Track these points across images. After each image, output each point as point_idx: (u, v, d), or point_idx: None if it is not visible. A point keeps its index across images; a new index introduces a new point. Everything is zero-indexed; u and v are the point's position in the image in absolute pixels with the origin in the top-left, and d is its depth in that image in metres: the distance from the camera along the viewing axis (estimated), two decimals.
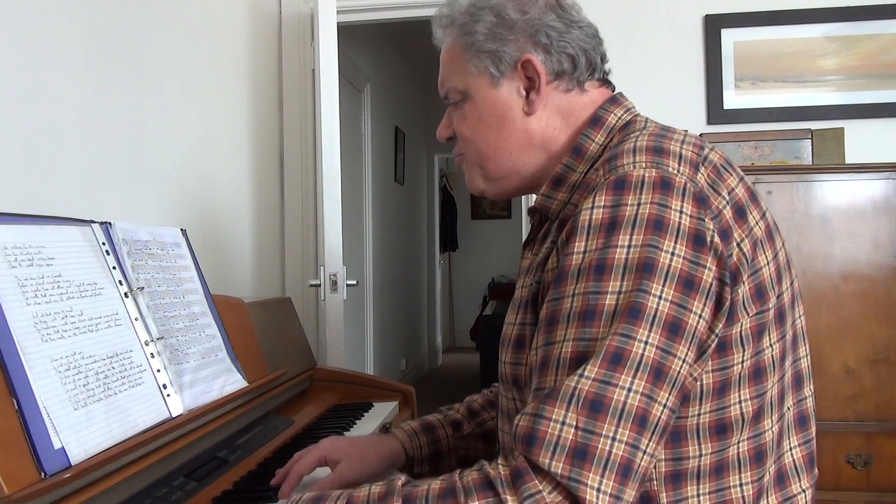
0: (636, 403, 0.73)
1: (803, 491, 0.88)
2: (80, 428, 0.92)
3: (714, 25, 2.67)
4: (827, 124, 2.55)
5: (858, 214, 2.28)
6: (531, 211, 1.00)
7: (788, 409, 0.88)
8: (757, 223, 0.85)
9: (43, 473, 0.85)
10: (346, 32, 3.19)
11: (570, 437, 0.72)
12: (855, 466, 2.24)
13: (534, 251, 0.96)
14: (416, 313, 6.23)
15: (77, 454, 0.90)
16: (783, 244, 0.90)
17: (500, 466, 0.76)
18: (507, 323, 0.95)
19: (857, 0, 2.60)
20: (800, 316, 0.92)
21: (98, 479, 0.93)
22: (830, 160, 2.44)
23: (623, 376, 0.73)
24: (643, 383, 0.74)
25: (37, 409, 0.88)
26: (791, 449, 0.89)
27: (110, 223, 1.18)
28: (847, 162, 2.46)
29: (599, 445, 0.72)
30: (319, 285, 2.34)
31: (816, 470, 0.92)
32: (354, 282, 2.39)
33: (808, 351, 0.93)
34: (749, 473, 0.83)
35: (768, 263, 0.84)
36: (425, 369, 6.61)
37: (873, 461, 2.23)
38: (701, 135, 2.49)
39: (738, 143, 2.51)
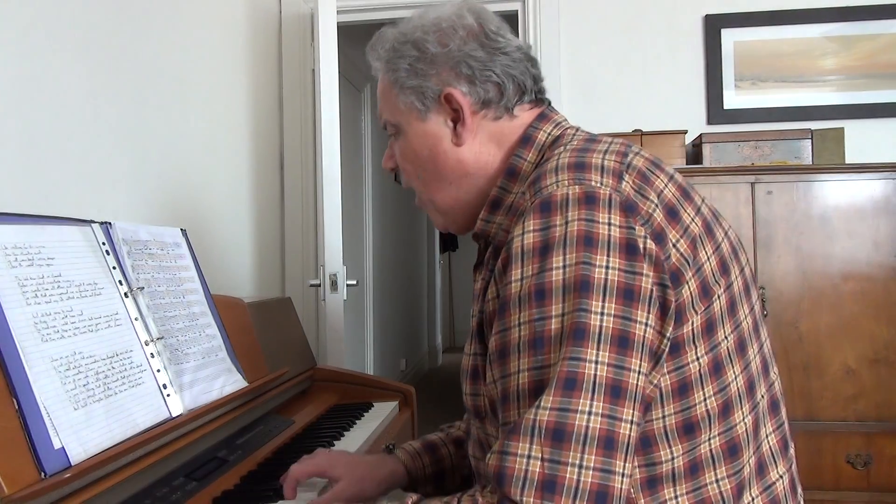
0: (598, 426, 0.72)
1: (780, 477, 0.88)
2: (80, 428, 0.92)
3: (714, 25, 2.67)
4: (827, 124, 2.55)
5: (858, 214, 2.28)
6: (474, 237, 0.99)
7: (762, 396, 0.88)
8: (693, 220, 0.84)
9: (43, 473, 0.85)
10: (346, 32, 3.19)
11: (538, 469, 0.72)
12: (855, 466, 2.24)
13: (482, 275, 0.95)
14: (416, 313, 6.23)
15: (77, 454, 0.90)
16: (726, 233, 0.89)
17: (489, 494, 0.77)
18: (465, 353, 0.95)
19: (857, 0, 2.60)
20: (756, 301, 0.91)
21: (98, 479, 0.93)
22: (830, 160, 2.44)
23: (581, 400, 0.72)
24: (601, 404, 0.73)
25: (37, 409, 0.88)
26: (767, 436, 0.88)
27: (110, 223, 1.18)
28: (847, 162, 2.46)
29: (567, 475, 0.71)
30: (319, 285, 2.35)
31: (792, 451, 0.91)
32: (354, 282, 2.39)
33: (767, 334, 0.92)
34: (724, 468, 0.82)
35: (710, 258, 0.84)
36: (425, 369, 6.61)
37: (873, 461, 2.23)
38: (701, 135, 2.51)
39: (738, 143, 2.51)
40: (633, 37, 2.70)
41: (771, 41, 2.65)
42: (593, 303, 0.75)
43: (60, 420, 0.90)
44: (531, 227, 0.79)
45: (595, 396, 0.73)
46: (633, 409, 0.74)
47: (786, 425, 0.91)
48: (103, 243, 1.14)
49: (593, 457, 0.72)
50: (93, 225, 1.14)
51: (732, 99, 2.67)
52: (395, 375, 5.20)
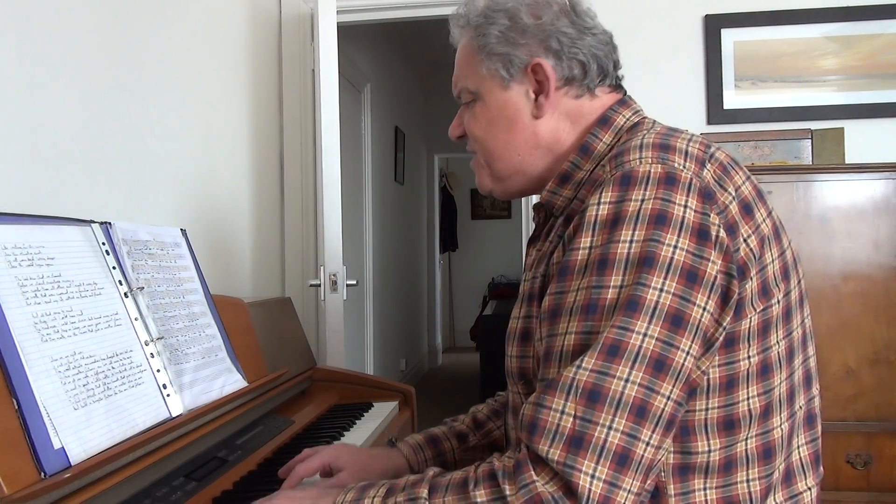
0: (633, 394, 0.74)
1: (809, 489, 0.89)
2: (80, 428, 0.92)
3: (714, 25, 2.67)
4: (827, 124, 2.55)
5: (858, 214, 2.28)
6: (536, 207, 1.01)
7: (800, 407, 0.89)
8: (764, 220, 0.85)
9: (43, 473, 0.85)
10: (346, 32, 3.19)
11: (569, 425, 0.75)
12: (855, 466, 2.24)
13: (538, 247, 0.97)
14: (416, 313, 6.23)
15: (77, 454, 0.90)
16: (790, 243, 0.90)
17: (506, 458, 0.79)
18: (513, 317, 0.96)
19: (857, 0, 2.60)
20: (808, 315, 0.92)
21: (98, 479, 0.93)
22: (830, 160, 2.44)
23: (621, 367, 0.75)
24: (641, 374, 0.75)
25: (37, 409, 0.88)
26: (799, 447, 0.89)
27: (110, 223, 1.18)
28: (847, 162, 2.46)
29: (595, 434, 0.74)
30: (319, 285, 2.34)
31: (822, 468, 0.93)
32: (354, 282, 2.39)
33: (814, 350, 0.94)
34: (757, 470, 0.83)
35: (774, 261, 0.85)
36: (425, 369, 6.61)
37: (873, 461, 2.23)
38: (701, 135, 2.50)
39: (738, 143, 2.51)
40: (633, 37, 2.70)
41: (771, 41, 2.65)
42: (654, 279, 0.76)
43: (60, 420, 0.90)
44: (607, 199, 0.81)
45: (636, 366, 0.75)
46: (674, 387, 0.76)
47: (819, 441, 0.92)
48: (103, 243, 1.14)
49: (623, 421, 0.74)
50: (93, 225, 1.14)
51: (732, 99, 2.67)
52: (395, 375, 5.20)
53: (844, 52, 2.61)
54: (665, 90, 2.69)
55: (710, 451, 0.82)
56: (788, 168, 2.34)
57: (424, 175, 6.92)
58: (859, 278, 2.27)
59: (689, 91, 2.70)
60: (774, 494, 0.85)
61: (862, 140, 2.55)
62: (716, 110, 2.67)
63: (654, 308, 0.76)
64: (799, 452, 0.89)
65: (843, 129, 2.48)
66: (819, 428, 0.92)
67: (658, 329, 0.76)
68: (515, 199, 1.04)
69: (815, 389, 0.93)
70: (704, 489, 0.82)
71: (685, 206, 0.79)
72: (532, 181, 1.01)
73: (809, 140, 2.46)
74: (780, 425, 0.85)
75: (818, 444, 0.92)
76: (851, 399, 2.25)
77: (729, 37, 2.67)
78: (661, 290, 0.76)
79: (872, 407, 2.25)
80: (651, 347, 0.75)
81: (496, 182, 1.03)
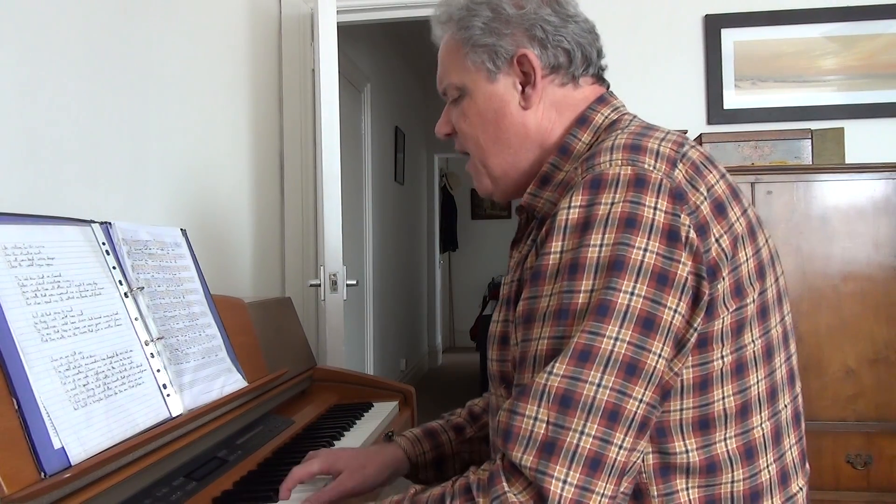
0: (605, 398, 0.74)
1: (801, 489, 0.89)
2: (80, 428, 0.92)
3: (714, 25, 2.67)
4: (827, 124, 2.55)
5: (858, 214, 2.28)
6: (518, 210, 1.01)
7: (785, 406, 0.88)
8: (738, 219, 0.84)
9: (43, 473, 0.85)
10: (346, 32, 3.19)
11: (542, 431, 0.75)
12: (855, 466, 2.24)
13: (518, 249, 0.97)
14: (415, 313, 6.23)
15: (77, 454, 0.90)
16: (767, 241, 0.90)
17: (481, 471, 0.79)
18: (493, 321, 0.96)
19: (857, 0, 2.60)
20: (788, 313, 0.92)
21: (98, 479, 0.93)
22: (830, 160, 2.44)
23: (592, 372, 0.75)
24: (613, 378, 0.75)
25: (37, 409, 0.88)
26: (791, 447, 0.89)
27: (110, 223, 1.18)
28: (847, 162, 2.46)
29: (567, 439, 0.74)
30: (319, 285, 2.34)
31: (808, 466, 0.93)
32: (354, 282, 2.39)
33: (795, 348, 0.93)
34: (742, 471, 0.83)
35: (748, 260, 0.84)
36: (425, 369, 6.61)
37: (873, 461, 2.23)
38: (701, 135, 2.51)
39: (738, 143, 2.51)
40: (633, 37, 2.70)
41: (771, 41, 2.65)
42: (623, 282, 0.76)
43: (60, 420, 0.90)
44: (577, 203, 0.80)
45: (608, 370, 0.75)
46: (647, 390, 0.76)
47: (804, 440, 0.92)
48: (103, 243, 1.14)
49: (595, 425, 0.74)
50: (93, 225, 1.14)
51: (732, 99, 2.67)
52: (395, 375, 5.20)
53: (844, 52, 2.61)
54: (665, 90, 2.69)
55: (687, 452, 0.81)
56: (788, 168, 2.34)
57: (424, 175, 6.92)
58: (859, 278, 2.27)
59: (689, 91, 2.70)
60: (771, 498, 0.85)
61: (862, 140, 2.55)
62: (716, 110, 2.67)
63: (625, 312, 0.75)
64: (791, 453, 0.89)
65: (843, 129, 2.48)
66: (803, 427, 0.92)
67: (629, 333, 0.75)
68: (515, 200, 1.03)
69: (798, 388, 0.92)
70: (687, 489, 0.81)
71: (655, 208, 0.78)
72: (526, 177, 0.99)
73: (809, 140, 2.46)
74: (761, 424, 0.84)
75: (804, 443, 0.92)
76: (851, 399, 2.25)
77: (729, 37, 2.67)
78: (632, 293, 0.76)
79: (872, 407, 2.25)
80: (622, 351, 0.75)
81: (495, 182, 1.02)
